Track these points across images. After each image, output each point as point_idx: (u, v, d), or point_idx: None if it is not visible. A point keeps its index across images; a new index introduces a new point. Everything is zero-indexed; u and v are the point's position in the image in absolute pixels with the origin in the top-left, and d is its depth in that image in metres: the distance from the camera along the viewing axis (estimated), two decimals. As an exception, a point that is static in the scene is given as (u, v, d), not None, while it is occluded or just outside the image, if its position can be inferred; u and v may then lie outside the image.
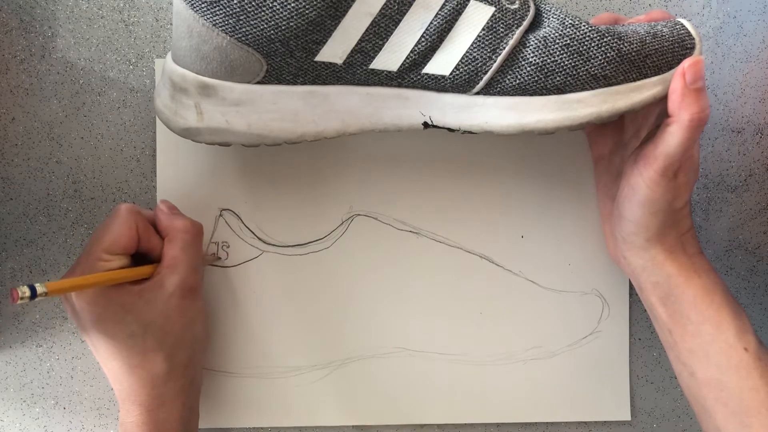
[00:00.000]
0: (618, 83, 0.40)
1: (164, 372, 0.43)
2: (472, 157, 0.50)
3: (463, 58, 0.40)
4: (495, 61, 0.40)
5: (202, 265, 0.48)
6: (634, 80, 0.41)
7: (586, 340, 0.51)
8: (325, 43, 0.39)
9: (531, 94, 0.41)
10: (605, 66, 0.40)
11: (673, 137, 0.41)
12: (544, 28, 0.40)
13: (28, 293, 0.37)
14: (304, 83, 0.41)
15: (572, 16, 0.41)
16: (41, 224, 0.49)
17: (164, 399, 0.43)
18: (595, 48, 0.40)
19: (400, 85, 0.41)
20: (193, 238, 0.45)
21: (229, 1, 0.37)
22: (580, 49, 0.40)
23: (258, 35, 0.38)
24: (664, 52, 0.41)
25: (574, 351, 0.51)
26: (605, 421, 0.52)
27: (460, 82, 0.41)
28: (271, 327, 0.50)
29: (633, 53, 0.40)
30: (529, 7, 0.41)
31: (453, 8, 0.39)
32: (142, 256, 0.45)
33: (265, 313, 0.50)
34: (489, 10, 0.40)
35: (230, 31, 0.38)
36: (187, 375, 0.45)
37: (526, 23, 0.40)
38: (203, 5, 0.38)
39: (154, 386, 0.43)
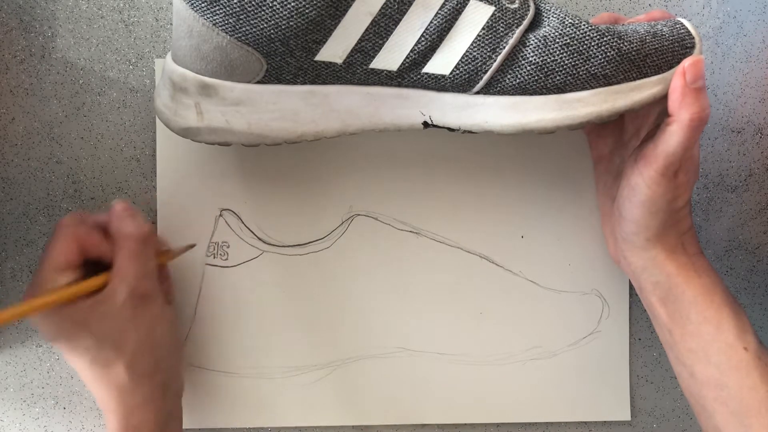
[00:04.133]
0: (618, 82, 0.40)
1: (127, 381, 0.42)
2: (472, 157, 0.50)
3: (463, 57, 0.40)
4: (495, 61, 0.40)
5: (173, 258, 0.47)
6: (634, 79, 0.41)
7: (586, 340, 0.51)
8: (325, 42, 0.39)
9: (531, 94, 0.41)
10: (605, 65, 0.40)
11: (673, 137, 0.41)
12: (544, 27, 0.40)
13: None
14: (304, 83, 0.41)
15: (572, 16, 0.41)
16: (41, 224, 0.49)
17: (133, 406, 0.42)
18: (595, 47, 0.40)
19: (400, 85, 0.41)
20: (140, 245, 0.43)
21: (229, 1, 0.37)
22: (580, 48, 0.40)
23: (258, 35, 0.38)
24: (664, 51, 0.41)
25: (574, 351, 0.51)
26: (605, 421, 0.52)
27: (460, 81, 0.41)
28: (271, 327, 0.50)
29: (633, 52, 0.40)
30: (529, 6, 0.41)
31: (453, 8, 0.39)
32: (102, 264, 0.44)
33: (265, 313, 0.50)
34: (489, 10, 0.40)
35: (230, 31, 0.38)
36: (155, 381, 0.43)
37: (526, 23, 0.40)
38: (203, 5, 0.38)
39: (121, 394, 0.42)
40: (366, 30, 0.39)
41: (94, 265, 0.44)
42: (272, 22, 0.38)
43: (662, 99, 0.41)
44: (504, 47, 0.40)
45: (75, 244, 0.42)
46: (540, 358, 0.51)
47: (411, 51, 0.40)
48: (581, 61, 0.40)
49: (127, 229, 0.43)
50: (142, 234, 0.43)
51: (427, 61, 0.40)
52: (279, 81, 0.40)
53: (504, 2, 0.40)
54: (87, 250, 0.43)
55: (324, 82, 0.41)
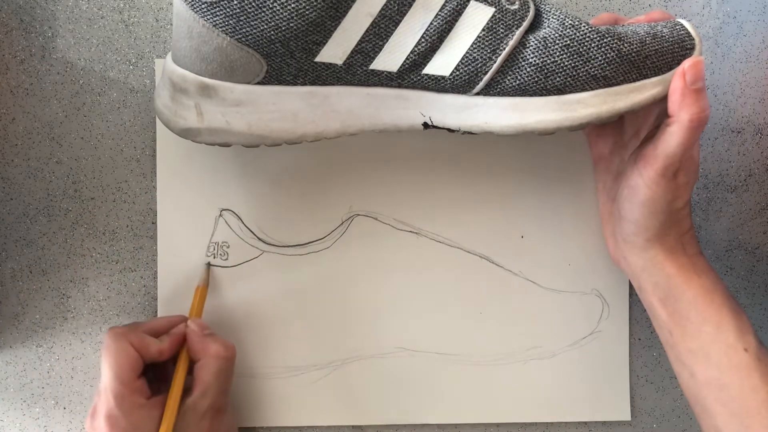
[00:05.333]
0: (618, 84, 0.40)
1: None
2: (472, 157, 0.50)
3: (463, 58, 0.40)
4: (495, 62, 0.40)
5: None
6: (634, 81, 0.41)
7: (586, 340, 0.51)
8: (325, 43, 0.39)
9: (531, 95, 0.41)
10: (605, 67, 0.40)
11: (673, 137, 0.41)
12: (544, 28, 0.40)
13: None
14: (304, 84, 0.41)
15: (572, 17, 0.41)
16: (41, 224, 0.49)
17: None
18: (595, 49, 0.40)
19: (400, 86, 0.41)
20: (226, 362, 0.45)
21: (229, 2, 0.37)
22: (580, 49, 0.40)
23: (258, 36, 0.38)
24: (664, 52, 0.41)
25: (574, 351, 0.51)
26: (605, 421, 0.52)
27: (460, 82, 0.41)
28: (271, 327, 0.50)
29: (633, 54, 0.40)
30: (529, 7, 0.41)
31: (453, 9, 0.39)
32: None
33: (265, 313, 0.50)
34: (489, 11, 0.40)
35: (230, 32, 0.38)
36: None
37: (526, 24, 0.40)
38: (203, 6, 0.38)
39: None
40: (366, 31, 0.39)
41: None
42: (272, 23, 0.38)
43: (662, 100, 0.41)
44: (504, 48, 0.40)
45: (135, 352, 0.44)
46: (540, 358, 0.51)
47: (411, 52, 0.40)
48: (581, 62, 0.40)
49: (213, 348, 0.45)
50: (228, 353, 0.46)
51: (428, 62, 0.40)
52: (279, 82, 0.40)
53: (504, 3, 0.40)
54: (145, 356, 0.44)
55: (324, 83, 0.41)
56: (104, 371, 0.43)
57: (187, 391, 0.45)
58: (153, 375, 0.46)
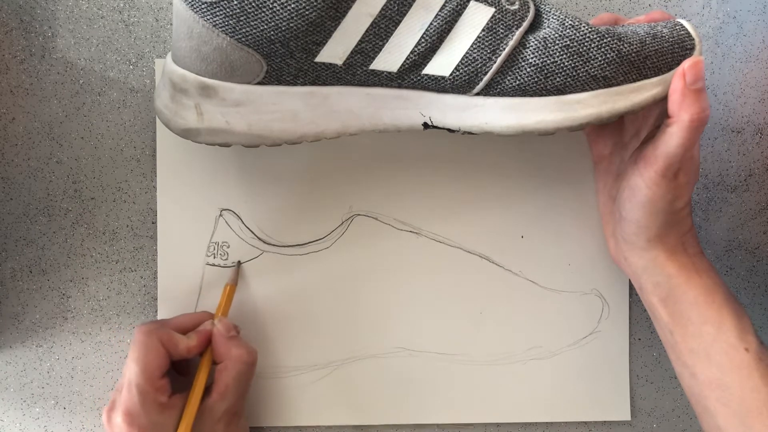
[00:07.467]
0: (618, 84, 0.40)
1: None
2: (472, 158, 0.50)
3: (463, 59, 0.40)
4: (495, 62, 0.40)
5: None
6: (634, 81, 0.41)
7: (586, 340, 0.51)
8: (325, 44, 0.39)
9: (531, 95, 0.41)
10: (605, 67, 0.40)
11: (673, 138, 0.41)
12: (544, 29, 0.40)
13: None
14: (304, 84, 0.41)
15: (572, 17, 0.41)
16: (41, 224, 0.49)
17: None
18: (595, 49, 0.40)
19: (400, 86, 0.41)
20: (248, 367, 0.46)
21: (229, 2, 0.37)
22: (580, 50, 0.40)
23: (258, 36, 0.38)
24: (664, 52, 0.41)
25: (574, 351, 0.51)
26: (605, 421, 0.52)
27: (460, 82, 0.40)
28: (271, 327, 0.50)
29: (633, 54, 0.40)
30: (528, 8, 0.41)
31: (453, 9, 0.39)
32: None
33: (265, 313, 0.50)
34: (489, 11, 0.40)
35: (230, 32, 0.38)
36: None
37: (525, 24, 0.40)
38: (203, 6, 0.38)
39: None
40: (366, 31, 0.39)
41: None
42: (272, 23, 0.38)
43: (662, 100, 0.41)
44: (504, 49, 0.40)
45: (164, 349, 0.44)
46: (540, 358, 0.51)
47: (411, 52, 0.40)
48: (581, 62, 0.40)
49: (236, 352, 0.45)
50: (251, 358, 0.46)
51: (427, 62, 0.40)
52: (279, 82, 0.40)
53: (504, 4, 0.40)
54: (172, 354, 0.44)
55: (324, 83, 0.41)
56: (131, 367, 0.43)
57: (205, 391, 0.45)
58: (172, 368, 0.46)
